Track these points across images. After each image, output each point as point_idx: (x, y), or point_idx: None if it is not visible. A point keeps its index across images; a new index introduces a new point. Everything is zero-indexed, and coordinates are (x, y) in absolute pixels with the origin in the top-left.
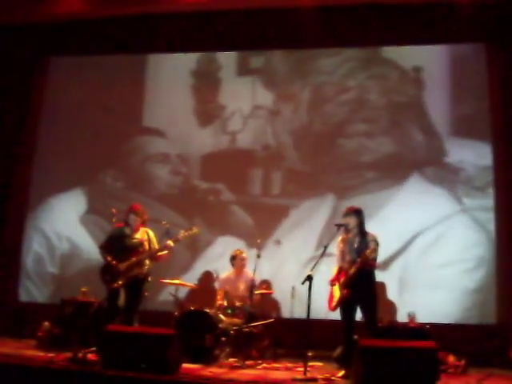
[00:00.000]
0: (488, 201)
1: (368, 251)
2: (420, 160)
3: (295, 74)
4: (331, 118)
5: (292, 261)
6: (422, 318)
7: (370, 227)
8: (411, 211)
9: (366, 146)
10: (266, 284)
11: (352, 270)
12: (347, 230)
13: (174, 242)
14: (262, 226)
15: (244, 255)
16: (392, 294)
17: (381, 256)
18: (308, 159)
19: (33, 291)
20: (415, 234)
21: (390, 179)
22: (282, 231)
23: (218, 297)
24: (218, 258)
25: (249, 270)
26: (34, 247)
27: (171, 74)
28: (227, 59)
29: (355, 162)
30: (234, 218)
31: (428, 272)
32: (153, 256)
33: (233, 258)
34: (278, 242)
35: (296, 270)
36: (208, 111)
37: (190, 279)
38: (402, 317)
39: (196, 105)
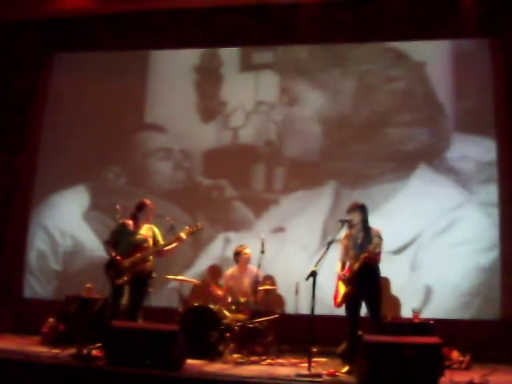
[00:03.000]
0: (492, 195)
1: (371, 246)
2: (430, 151)
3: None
4: (371, 106)
5: (297, 256)
6: (437, 289)
7: (382, 216)
8: (423, 201)
9: (408, 136)
10: (270, 280)
11: (356, 266)
12: (351, 226)
13: (186, 234)
14: (266, 221)
15: (247, 251)
16: (404, 271)
17: (395, 243)
18: (334, 148)
19: (36, 287)
20: (428, 221)
21: (403, 170)
22: (286, 224)
23: (220, 292)
24: (220, 254)
25: (252, 266)
26: (37, 244)
27: (174, 69)
28: (230, 55)
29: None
30: (237, 213)
31: (441, 251)
32: (160, 251)
33: (236, 255)
34: (281, 229)
35: (302, 264)
36: (210, 107)
37: (193, 275)
38: (406, 312)
39: (198, 101)
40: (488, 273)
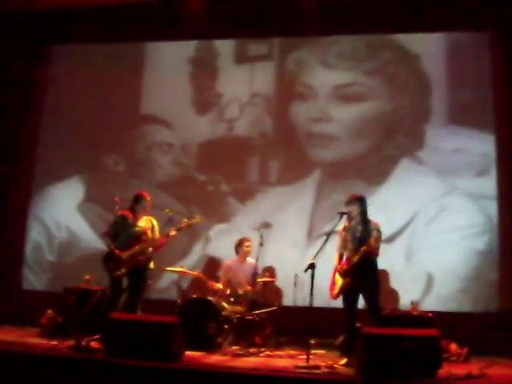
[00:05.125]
0: (489, 188)
1: (372, 240)
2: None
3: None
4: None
5: (294, 247)
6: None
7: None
8: (413, 190)
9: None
10: (269, 272)
11: (355, 259)
12: (350, 218)
13: (176, 230)
14: (261, 213)
15: (249, 243)
16: (399, 262)
17: (386, 232)
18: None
19: (31, 279)
20: (418, 208)
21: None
22: (282, 217)
23: (218, 285)
24: (216, 247)
25: (251, 259)
26: (33, 235)
27: (169, 61)
28: (225, 47)
29: None
30: (233, 206)
31: (435, 237)
32: (153, 245)
33: (238, 245)
34: (268, 225)
35: (299, 256)
36: (206, 99)
37: (187, 266)
38: (404, 305)
39: (194, 93)
40: (484, 265)
